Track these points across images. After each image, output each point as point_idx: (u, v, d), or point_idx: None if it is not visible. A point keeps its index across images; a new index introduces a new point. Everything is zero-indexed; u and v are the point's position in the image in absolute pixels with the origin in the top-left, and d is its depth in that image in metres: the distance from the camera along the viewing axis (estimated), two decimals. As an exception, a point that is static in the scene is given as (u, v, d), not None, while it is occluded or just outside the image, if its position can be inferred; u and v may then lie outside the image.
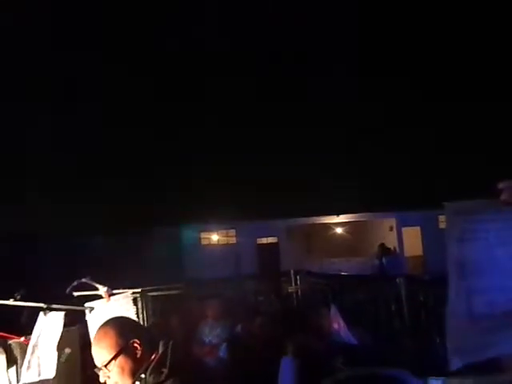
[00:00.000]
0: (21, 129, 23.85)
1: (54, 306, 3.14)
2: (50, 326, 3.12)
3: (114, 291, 3.31)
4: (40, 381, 3.02)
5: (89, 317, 3.11)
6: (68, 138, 25.16)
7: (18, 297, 3.16)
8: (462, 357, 1.83)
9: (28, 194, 21.48)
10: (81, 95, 27.15)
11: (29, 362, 3.03)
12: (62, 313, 3.17)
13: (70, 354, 3.16)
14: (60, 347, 3.09)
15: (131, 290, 3.41)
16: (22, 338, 3.12)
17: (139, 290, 3.52)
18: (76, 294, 3.39)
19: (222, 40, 28.02)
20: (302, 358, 2.74)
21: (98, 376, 2.03)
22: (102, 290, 3.27)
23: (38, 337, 3.08)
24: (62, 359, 3.13)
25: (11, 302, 3.14)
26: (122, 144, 25.79)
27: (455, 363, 1.82)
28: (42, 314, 3.12)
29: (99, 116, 26.60)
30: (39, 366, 3.03)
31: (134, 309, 3.44)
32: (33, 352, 3.05)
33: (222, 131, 26.33)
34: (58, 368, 3.10)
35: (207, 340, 5.07)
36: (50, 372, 3.04)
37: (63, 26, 28.15)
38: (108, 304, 3.17)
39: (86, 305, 3.15)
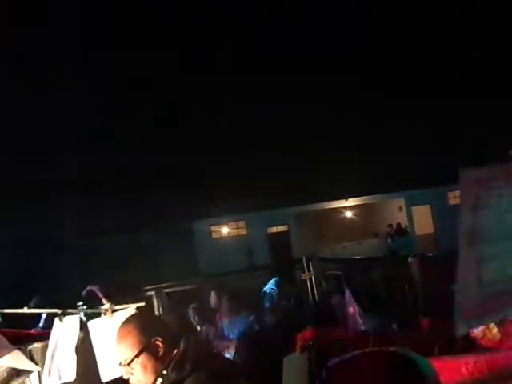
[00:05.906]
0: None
1: (69, 310, 3.15)
2: (66, 330, 3.13)
3: (117, 307, 3.25)
4: None
5: (92, 329, 3.12)
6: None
7: (33, 305, 3.19)
8: (470, 322, 1.84)
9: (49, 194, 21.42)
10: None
11: (49, 367, 3.05)
12: (78, 316, 3.18)
13: None
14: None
15: (135, 305, 3.25)
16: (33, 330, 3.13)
17: (143, 303, 3.40)
18: (81, 307, 3.33)
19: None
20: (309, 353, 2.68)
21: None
22: (106, 304, 3.24)
23: (56, 342, 3.10)
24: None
25: (25, 310, 3.15)
26: (136, 146, 25.65)
27: (461, 328, 1.83)
28: (57, 319, 3.13)
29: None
30: (59, 370, 3.06)
31: None
32: (52, 357, 3.07)
33: (229, 120, 26.10)
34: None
35: (225, 334, 5.09)
36: (70, 375, 3.06)
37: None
38: (111, 320, 3.13)
39: (90, 323, 3.15)
